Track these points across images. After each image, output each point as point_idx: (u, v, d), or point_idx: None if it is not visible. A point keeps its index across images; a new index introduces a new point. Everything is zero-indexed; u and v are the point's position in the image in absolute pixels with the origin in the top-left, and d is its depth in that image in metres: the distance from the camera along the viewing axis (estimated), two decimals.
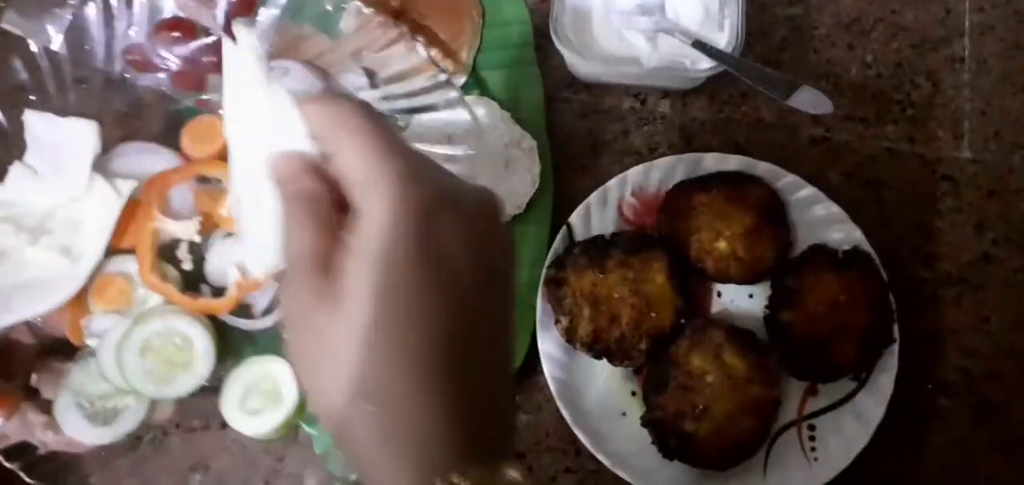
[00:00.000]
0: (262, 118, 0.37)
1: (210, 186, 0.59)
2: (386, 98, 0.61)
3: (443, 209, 0.33)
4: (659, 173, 0.68)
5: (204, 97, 0.63)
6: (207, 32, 0.61)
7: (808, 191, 0.67)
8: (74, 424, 0.55)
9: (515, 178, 0.67)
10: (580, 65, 0.72)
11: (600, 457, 0.60)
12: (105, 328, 0.56)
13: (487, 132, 0.68)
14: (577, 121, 0.73)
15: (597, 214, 0.67)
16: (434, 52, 0.69)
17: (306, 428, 0.60)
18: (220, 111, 0.60)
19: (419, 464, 0.33)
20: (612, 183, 0.67)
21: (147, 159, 0.61)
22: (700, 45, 0.68)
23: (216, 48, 0.60)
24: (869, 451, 0.60)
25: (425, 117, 0.59)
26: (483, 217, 0.36)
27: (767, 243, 0.65)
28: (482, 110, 0.69)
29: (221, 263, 0.58)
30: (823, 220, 0.66)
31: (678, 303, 0.64)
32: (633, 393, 0.65)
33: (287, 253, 0.35)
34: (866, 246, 0.65)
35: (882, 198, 0.70)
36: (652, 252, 0.64)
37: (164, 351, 0.55)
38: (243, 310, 0.58)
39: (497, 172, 0.67)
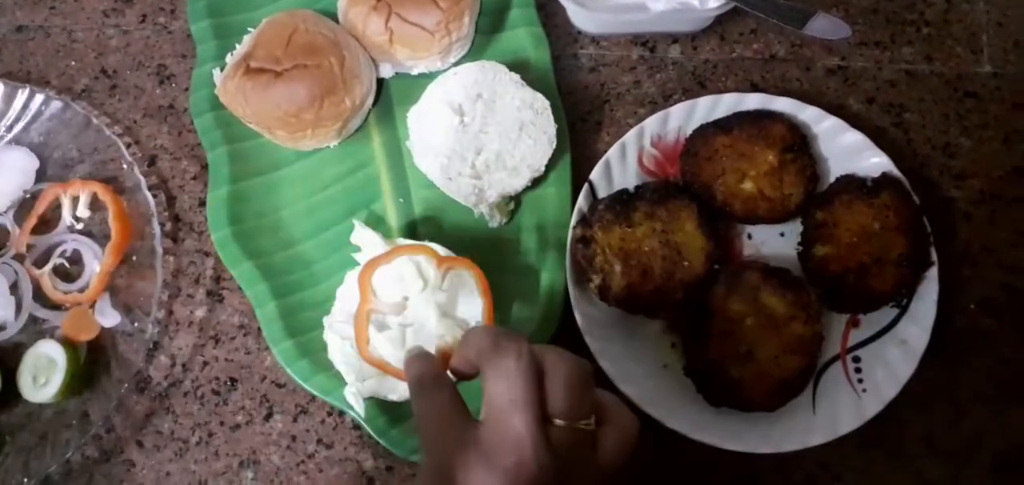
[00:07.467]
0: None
1: None
2: None
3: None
4: (676, 120, 0.66)
5: None
6: None
7: (830, 122, 0.65)
8: None
9: (530, 141, 0.65)
10: (584, 18, 0.70)
11: (648, 411, 0.59)
12: None
13: (497, 97, 0.66)
14: (586, 76, 0.71)
15: (618, 168, 0.66)
16: (436, 21, 0.67)
17: (355, 415, 0.58)
18: None
19: None
20: (630, 135, 0.66)
21: None
22: None
23: None
24: (917, 377, 0.59)
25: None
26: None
27: (794, 179, 0.63)
28: (489, 75, 0.66)
29: None
30: (849, 149, 0.65)
31: (710, 249, 0.62)
32: (673, 345, 0.63)
33: (417, 413, 0.48)
34: (895, 171, 0.63)
35: (905, 122, 0.69)
36: (679, 200, 0.63)
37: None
38: None
39: (511, 136, 0.65)
